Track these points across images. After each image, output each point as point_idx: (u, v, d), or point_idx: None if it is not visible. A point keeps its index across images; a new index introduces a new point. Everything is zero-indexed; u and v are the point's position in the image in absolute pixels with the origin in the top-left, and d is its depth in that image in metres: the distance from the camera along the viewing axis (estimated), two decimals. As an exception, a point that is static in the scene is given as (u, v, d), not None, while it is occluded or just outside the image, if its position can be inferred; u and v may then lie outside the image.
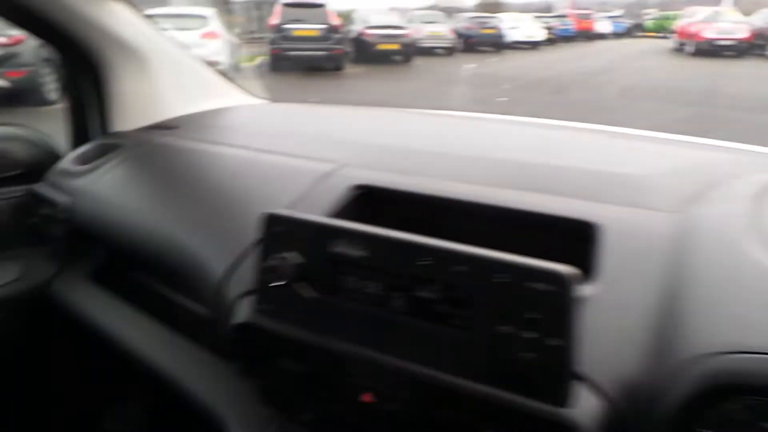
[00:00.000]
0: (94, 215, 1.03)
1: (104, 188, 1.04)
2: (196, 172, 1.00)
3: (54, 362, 1.17)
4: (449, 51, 15.58)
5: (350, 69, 11.83)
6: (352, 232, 0.59)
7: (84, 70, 1.22)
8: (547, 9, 28.49)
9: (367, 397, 0.59)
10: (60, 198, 1.07)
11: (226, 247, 0.78)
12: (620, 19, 27.60)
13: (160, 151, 1.09)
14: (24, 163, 1.16)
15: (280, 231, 0.63)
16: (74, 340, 1.14)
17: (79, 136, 1.26)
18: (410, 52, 13.38)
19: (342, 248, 0.60)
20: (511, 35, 17.65)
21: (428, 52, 14.96)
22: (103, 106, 1.25)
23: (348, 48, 12.55)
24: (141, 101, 1.27)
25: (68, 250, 1.16)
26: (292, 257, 0.62)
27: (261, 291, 0.64)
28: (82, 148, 1.19)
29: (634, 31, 27.47)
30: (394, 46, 13.06)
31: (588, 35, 22.93)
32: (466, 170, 0.86)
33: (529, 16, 19.84)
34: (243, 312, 0.67)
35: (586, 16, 24.21)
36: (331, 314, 0.60)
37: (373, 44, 12.89)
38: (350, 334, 0.59)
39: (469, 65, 12.79)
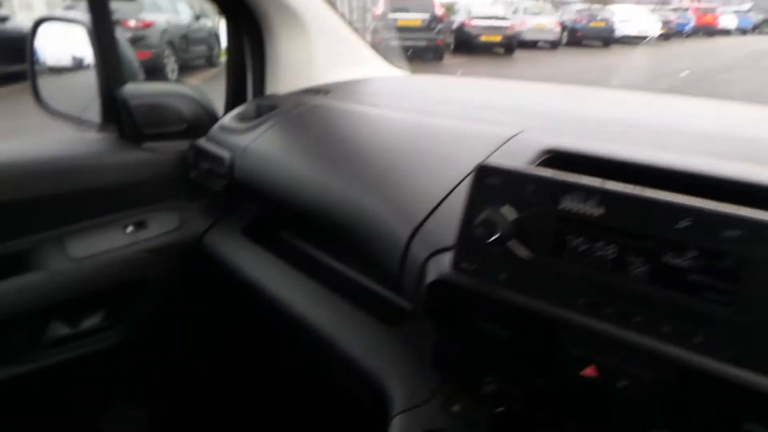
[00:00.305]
0: (254, 171, 1.04)
1: (265, 145, 1.05)
2: (362, 134, 0.98)
3: (204, 310, 1.21)
4: (553, 45, 14.98)
5: (449, 60, 11.69)
6: (586, 188, 0.53)
7: (247, 32, 1.24)
8: (666, 1, 26.57)
9: (589, 371, 0.53)
10: (222, 153, 1.09)
11: (410, 206, 0.74)
12: (748, 14, 25.20)
13: (321, 111, 1.08)
14: (188, 120, 1.20)
15: (494, 184, 0.58)
16: (224, 291, 1.17)
17: (237, 97, 1.29)
18: (512, 44, 12.99)
19: (571, 205, 0.54)
20: (622, 29, 16.65)
21: (531, 45, 14.46)
22: (261, 68, 1.27)
23: (448, 39, 12.41)
24: (296, 65, 1.28)
25: (224, 204, 1.20)
26: (507, 212, 0.57)
27: (465, 248, 0.60)
28: (242, 107, 1.21)
29: (764, 26, 24.97)
30: (496, 38, 12.75)
31: (709, 30, 21.15)
32: (651, 139, 0.77)
33: (644, 9, 18.61)
34: (438, 270, 0.63)
35: (709, 10, 22.32)
36: (551, 278, 0.55)
37: (475, 35, 12.65)
38: (575, 302, 0.53)
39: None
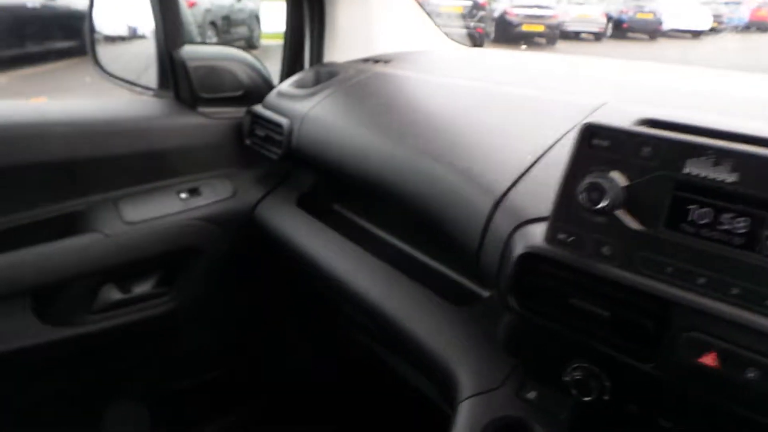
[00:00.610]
0: (312, 139, 1.00)
1: (326, 112, 1.00)
2: (431, 102, 0.93)
3: (255, 282, 1.18)
4: (597, 36, 14.53)
5: (488, 48, 11.47)
6: (718, 150, 0.47)
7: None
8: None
9: (708, 359, 0.47)
10: (279, 119, 1.05)
11: (490, 175, 0.69)
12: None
13: (385, 79, 1.03)
14: (244, 85, 1.17)
15: (602, 145, 0.52)
16: (277, 263, 1.14)
17: (293, 65, 1.25)
18: (555, 35, 12.65)
19: (697, 169, 0.48)
20: (670, 22, 16.04)
21: (574, 36, 14.07)
22: (320, 36, 1.23)
23: (489, 27, 12.17)
24: (356, 35, 1.23)
25: (278, 174, 1.16)
26: (616, 178, 0.51)
27: (562, 218, 0.54)
28: (300, 74, 1.17)
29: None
30: (539, 28, 12.43)
31: (763, 26, 20.23)
32: (743, 111, 0.70)
33: (694, 1, 17.90)
34: (528, 243, 0.57)
35: (764, 5, 21.29)
36: (666, 253, 0.49)
37: (517, 24, 12.37)
38: (694, 280, 0.47)
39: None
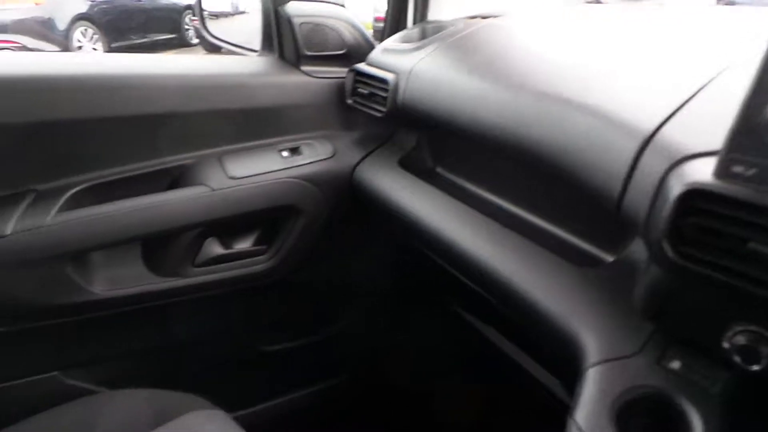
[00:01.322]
0: (420, 93, 0.95)
1: (434, 65, 0.95)
2: (554, 46, 0.85)
3: (355, 244, 1.16)
4: None
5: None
6: None
7: None
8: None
9: None
10: (384, 75, 1.01)
11: (634, 114, 0.61)
12: None
13: (497, 29, 0.97)
14: (347, 44, 1.14)
15: None
16: (378, 226, 1.10)
17: (396, 24, 1.21)
18: None
19: None
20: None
21: None
22: None
23: None
24: None
25: (379, 135, 1.13)
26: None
27: (741, 147, 0.46)
28: (405, 31, 1.13)
29: None
30: None
31: None
32: None
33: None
34: (691, 179, 0.49)
35: None
36: None
37: None
38: None
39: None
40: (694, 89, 0.60)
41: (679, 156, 0.52)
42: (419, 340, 1.23)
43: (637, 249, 0.67)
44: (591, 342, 0.61)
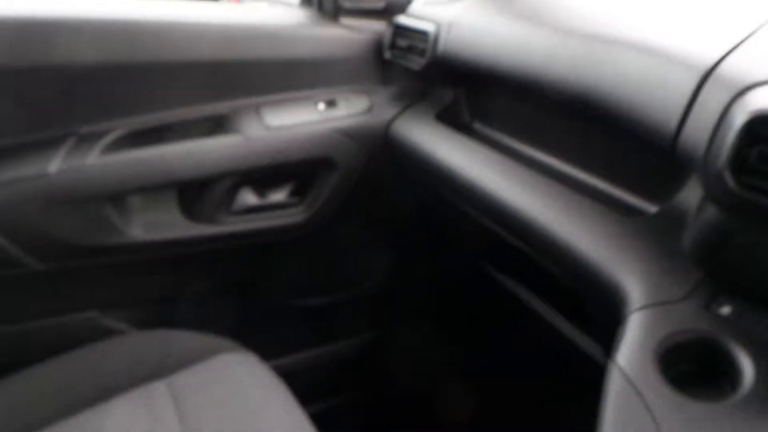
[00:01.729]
0: (461, 43, 0.93)
1: (477, 13, 0.93)
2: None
3: (389, 200, 1.15)
4: None
5: None
6: None
7: None
8: None
9: None
10: (425, 27, 0.99)
11: (693, 49, 0.58)
12: None
13: None
14: (385, -4, 1.12)
15: None
16: (412, 182, 1.09)
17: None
18: None
19: None
20: None
21: None
22: None
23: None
24: None
25: (416, 90, 1.11)
26: None
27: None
28: (447, -17, 1.10)
29: None
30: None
31: None
32: None
33: None
34: (758, 106, 0.46)
35: None
36: None
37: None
38: None
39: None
40: (756, 25, 0.57)
41: (742, 85, 0.49)
42: (451, 299, 1.22)
43: (686, 196, 0.64)
44: (635, 288, 0.59)
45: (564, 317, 0.96)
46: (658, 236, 0.64)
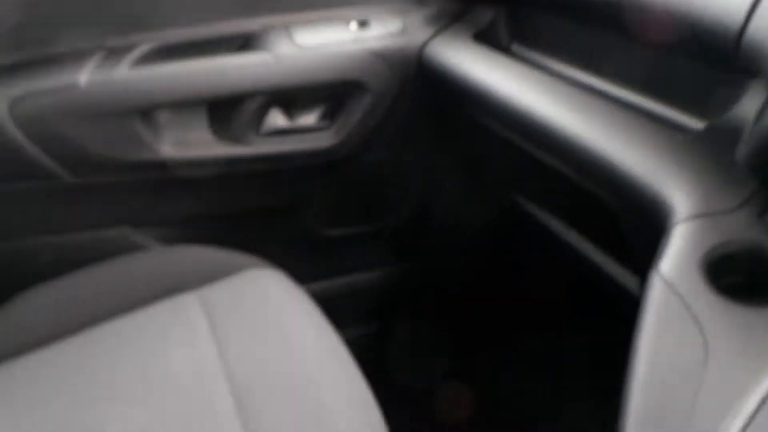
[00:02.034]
0: None
1: None
2: None
3: (420, 124, 1.12)
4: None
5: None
6: None
7: None
8: None
9: None
10: None
11: None
12: None
13: None
14: None
15: None
16: (446, 106, 1.06)
17: None
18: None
19: None
20: None
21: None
22: None
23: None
24: None
25: (451, 11, 1.06)
26: None
27: None
28: None
29: None
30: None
31: None
32: None
33: None
34: None
35: None
36: None
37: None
38: None
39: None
40: None
41: None
42: (482, 233, 1.20)
43: (741, 110, 0.60)
44: (684, 199, 0.56)
45: (600, 249, 0.93)
46: (709, 150, 0.60)
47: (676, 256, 0.50)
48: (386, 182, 1.18)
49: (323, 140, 1.06)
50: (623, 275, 0.87)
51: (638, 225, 0.66)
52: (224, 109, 0.99)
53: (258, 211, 1.12)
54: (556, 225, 1.00)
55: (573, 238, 0.97)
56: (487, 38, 1.00)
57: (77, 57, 0.90)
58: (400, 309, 1.29)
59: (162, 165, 0.97)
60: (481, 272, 1.25)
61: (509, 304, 1.23)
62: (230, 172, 1.03)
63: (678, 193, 0.57)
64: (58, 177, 0.92)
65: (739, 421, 0.39)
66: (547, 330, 1.16)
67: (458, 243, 1.24)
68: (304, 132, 1.05)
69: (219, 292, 0.82)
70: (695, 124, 0.69)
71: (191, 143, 0.98)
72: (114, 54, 0.92)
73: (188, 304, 0.80)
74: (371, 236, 1.23)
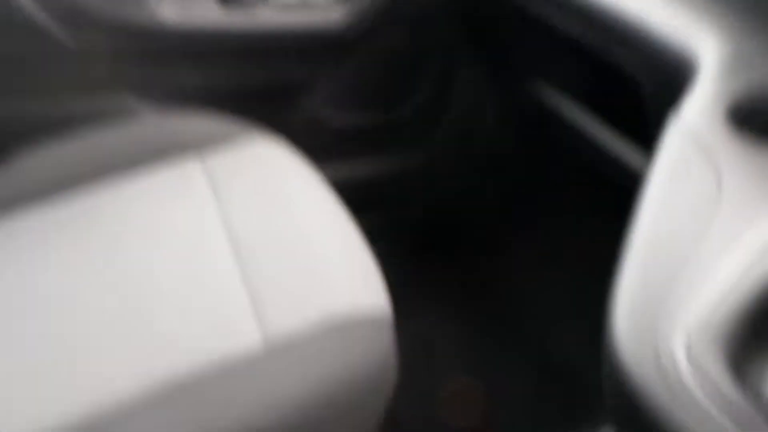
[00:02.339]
0: None
1: None
2: None
3: (437, 7, 1.06)
4: None
5: None
6: None
7: None
8: None
9: None
10: None
11: None
12: None
13: None
14: None
15: None
16: None
17: None
18: None
19: None
20: None
21: None
22: None
23: None
24: None
25: None
26: None
27: None
28: None
29: None
30: None
31: None
32: None
33: None
34: None
35: None
36: None
37: None
38: None
39: None
40: None
41: None
42: (497, 122, 1.16)
43: None
44: (710, 39, 0.52)
45: (617, 134, 0.90)
46: (740, 5, 0.56)
47: (699, 101, 0.47)
48: (398, 68, 1.13)
49: (335, 19, 1.00)
50: (638, 160, 0.84)
51: (663, 85, 0.62)
52: None
53: (265, 91, 1.08)
54: (574, 112, 0.96)
55: (589, 124, 0.94)
56: None
57: None
58: (413, 199, 1.27)
59: (164, 32, 0.93)
60: (497, 163, 1.23)
61: (523, 194, 1.21)
62: (236, 47, 0.99)
63: (705, 35, 0.53)
64: (58, 39, 0.89)
65: (745, 258, 0.37)
66: (559, 217, 1.15)
67: (475, 132, 1.20)
68: (314, 8, 0.99)
69: (224, 159, 0.80)
70: None
71: (195, 9, 0.94)
72: None
73: (191, 170, 0.79)
74: (382, 126, 1.19)
